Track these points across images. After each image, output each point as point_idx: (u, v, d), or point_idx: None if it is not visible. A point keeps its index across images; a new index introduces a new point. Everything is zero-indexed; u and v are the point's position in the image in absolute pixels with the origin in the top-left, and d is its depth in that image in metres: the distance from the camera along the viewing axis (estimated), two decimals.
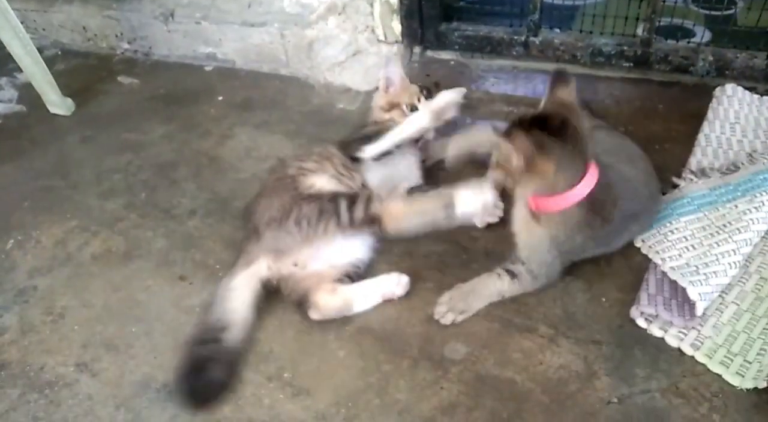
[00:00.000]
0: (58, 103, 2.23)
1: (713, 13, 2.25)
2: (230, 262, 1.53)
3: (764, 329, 1.27)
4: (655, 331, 1.29)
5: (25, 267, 1.62)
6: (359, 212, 1.41)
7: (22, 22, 2.13)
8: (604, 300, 1.38)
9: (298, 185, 1.49)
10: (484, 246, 1.53)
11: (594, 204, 1.28)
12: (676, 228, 1.45)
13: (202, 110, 2.19)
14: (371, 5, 2.08)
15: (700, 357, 1.23)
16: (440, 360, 1.29)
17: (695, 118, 1.79)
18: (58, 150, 2.08)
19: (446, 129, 1.73)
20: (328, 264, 1.43)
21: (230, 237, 1.62)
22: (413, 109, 1.69)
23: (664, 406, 1.17)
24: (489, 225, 1.55)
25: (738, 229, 1.39)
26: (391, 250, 1.53)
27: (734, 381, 1.19)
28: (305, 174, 1.52)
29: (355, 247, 1.47)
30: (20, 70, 2.25)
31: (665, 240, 1.43)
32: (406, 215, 1.42)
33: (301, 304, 1.39)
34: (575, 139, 1.23)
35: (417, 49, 2.24)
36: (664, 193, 1.56)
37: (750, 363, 1.21)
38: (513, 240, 1.40)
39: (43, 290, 1.55)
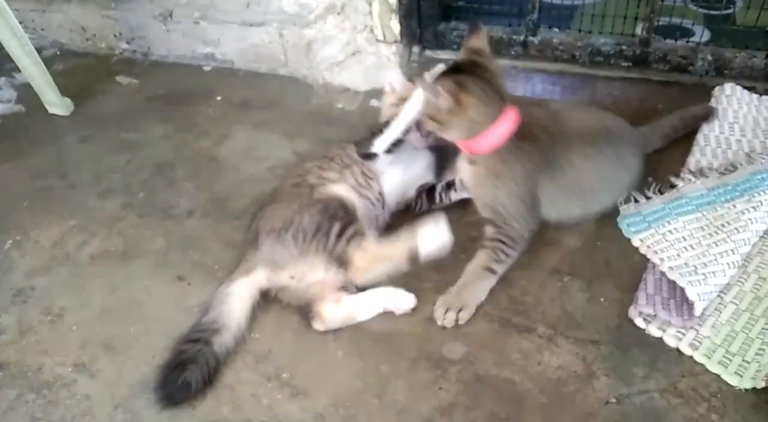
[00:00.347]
0: (56, 103, 2.22)
1: (712, 12, 2.25)
2: (229, 263, 1.53)
3: (763, 329, 1.27)
4: (654, 331, 1.29)
5: (23, 267, 1.62)
6: (341, 246, 1.39)
7: (20, 22, 2.12)
8: (602, 299, 1.38)
9: (314, 194, 1.47)
10: None
11: (521, 132, 1.39)
12: (675, 229, 1.44)
13: (201, 110, 2.19)
14: (370, 5, 2.07)
15: (698, 357, 1.23)
16: (439, 361, 1.29)
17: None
18: (57, 150, 2.07)
19: None
20: (324, 277, 1.42)
21: (229, 238, 1.62)
22: None
23: (663, 406, 1.17)
24: None
25: (736, 229, 1.39)
26: None
27: (733, 381, 1.19)
28: (325, 184, 1.51)
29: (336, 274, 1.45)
30: (19, 70, 2.24)
31: (664, 240, 1.43)
32: (372, 264, 1.40)
33: (304, 314, 1.39)
34: (487, 74, 1.38)
35: (416, 49, 2.24)
36: (661, 193, 1.56)
37: (748, 363, 1.21)
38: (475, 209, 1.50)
39: (41, 290, 1.55)
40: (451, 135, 1.43)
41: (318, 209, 1.43)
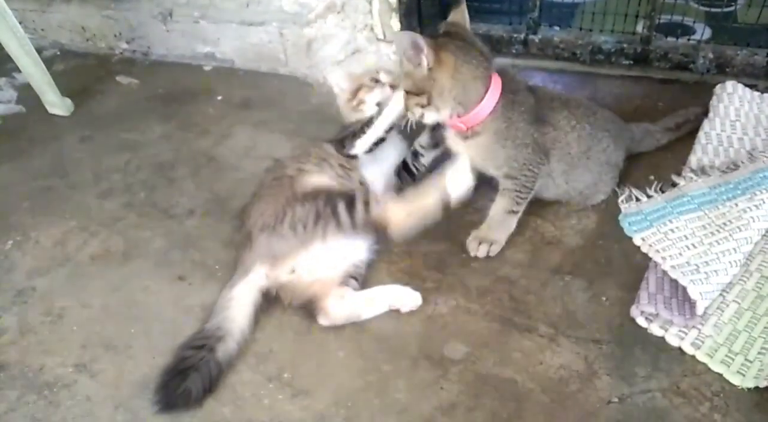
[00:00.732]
0: (56, 104, 2.22)
1: (713, 10, 2.24)
2: (229, 262, 1.53)
3: (765, 327, 1.26)
4: (656, 330, 1.28)
5: (24, 267, 1.62)
6: (360, 214, 1.40)
7: (20, 23, 2.12)
8: (604, 298, 1.37)
9: (295, 185, 1.47)
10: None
11: (508, 88, 1.42)
12: (677, 227, 1.44)
13: (201, 110, 2.19)
14: (370, 4, 2.07)
15: (700, 356, 1.23)
16: (440, 360, 1.28)
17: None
18: (57, 150, 2.07)
19: None
20: (327, 268, 1.41)
21: (229, 237, 1.62)
22: (376, 81, 1.65)
23: (665, 406, 1.16)
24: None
25: (738, 228, 1.38)
26: (391, 249, 1.53)
27: (735, 380, 1.18)
28: (304, 174, 1.51)
29: (354, 249, 1.46)
30: (19, 71, 2.24)
31: (665, 238, 1.42)
32: (408, 218, 1.41)
33: (308, 309, 1.38)
34: (468, 41, 1.41)
35: None
36: (663, 191, 1.55)
37: (751, 362, 1.20)
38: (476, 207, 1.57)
39: (42, 291, 1.55)
40: (442, 108, 1.41)
41: (309, 199, 1.42)
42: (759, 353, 1.22)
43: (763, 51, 1.89)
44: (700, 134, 1.73)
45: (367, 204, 1.41)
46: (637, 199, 1.54)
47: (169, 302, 1.48)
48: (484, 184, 1.59)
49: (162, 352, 1.35)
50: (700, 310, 1.26)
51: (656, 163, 1.67)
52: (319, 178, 1.50)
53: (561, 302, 1.37)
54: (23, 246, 1.68)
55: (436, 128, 1.60)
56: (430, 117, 1.44)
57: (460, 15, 1.45)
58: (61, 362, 1.37)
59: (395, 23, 2.09)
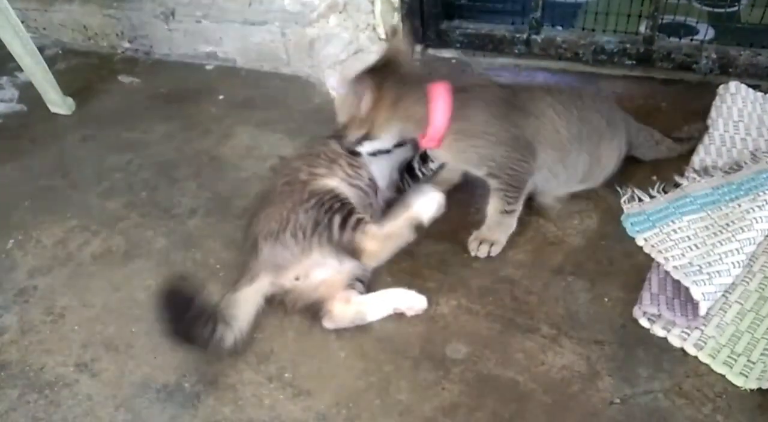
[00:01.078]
0: (58, 103, 2.22)
1: (716, 10, 2.23)
2: (231, 262, 1.54)
3: None
4: (658, 331, 1.28)
5: (25, 266, 1.62)
6: (347, 236, 1.38)
7: (22, 21, 2.12)
8: (606, 299, 1.37)
9: (306, 190, 1.45)
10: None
11: (461, 90, 1.43)
12: (679, 228, 1.43)
13: (203, 109, 2.19)
14: (372, 3, 2.07)
15: (703, 357, 1.22)
16: (442, 360, 1.28)
17: (698, 116, 1.78)
18: (59, 149, 2.07)
19: None
20: (331, 272, 1.41)
21: (231, 237, 1.62)
22: None
23: (668, 407, 1.16)
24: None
25: (741, 228, 1.38)
26: None
27: (738, 381, 1.18)
28: (316, 179, 1.49)
29: (345, 267, 1.44)
30: (21, 70, 2.24)
31: (668, 239, 1.41)
32: (382, 250, 1.40)
33: (313, 311, 1.38)
34: (398, 67, 1.43)
35: (418, 48, 2.23)
36: (665, 192, 1.55)
37: (754, 363, 1.20)
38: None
39: (43, 290, 1.55)
40: (385, 138, 1.45)
41: (312, 204, 1.41)
42: (762, 354, 1.21)
43: (766, 51, 1.88)
44: (704, 135, 1.72)
45: (358, 224, 1.39)
46: (640, 200, 1.54)
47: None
48: (485, 185, 1.58)
49: (163, 352, 1.36)
50: (702, 311, 1.25)
51: (659, 163, 1.66)
52: (330, 181, 1.49)
53: (563, 302, 1.37)
54: (24, 246, 1.68)
55: None
56: (370, 147, 1.46)
57: (399, 42, 1.53)
58: (62, 361, 1.37)
59: (397, 23, 2.09)
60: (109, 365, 1.35)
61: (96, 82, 2.41)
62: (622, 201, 1.54)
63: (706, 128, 1.73)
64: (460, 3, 2.21)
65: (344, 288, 1.39)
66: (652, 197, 1.54)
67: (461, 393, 1.22)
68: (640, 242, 1.44)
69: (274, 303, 1.41)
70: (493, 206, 1.49)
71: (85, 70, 2.51)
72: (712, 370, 1.20)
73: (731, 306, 1.31)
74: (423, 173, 1.66)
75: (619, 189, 1.57)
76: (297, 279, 1.40)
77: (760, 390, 1.16)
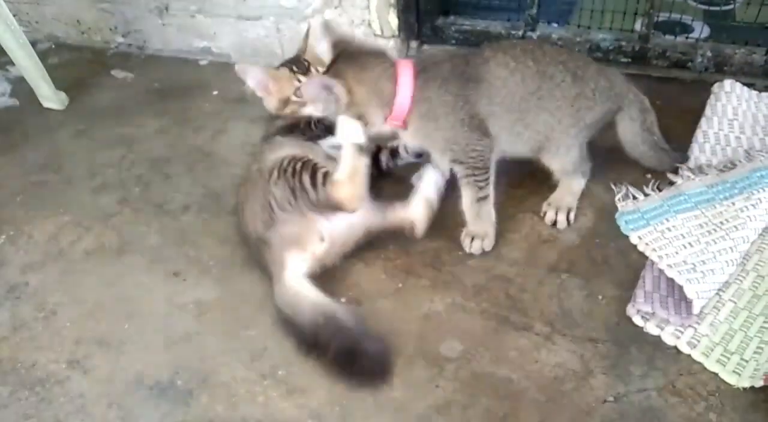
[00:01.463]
0: (51, 97, 2.20)
1: (712, 8, 2.24)
2: (224, 258, 1.53)
3: (761, 327, 1.26)
4: (652, 329, 1.28)
5: (17, 262, 1.61)
6: (321, 194, 1.39)
7: (14, 15, 2.10)
8: (600, 297, 1.37)
9: (263, 172, 1.45)
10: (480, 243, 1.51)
11: (423, 69, 1.42)
12: (674, 226, 1.43)
13: (197, 104, 2.17)
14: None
15: (696, 355, 1.22)
16: (436, 358, 1.28)
17: (693, 114, 1.78)
18: (51, 144, 2.06)
19: None
20: (348, 219, 1.43)
21: (224, 233, 1.61)
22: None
23: (661, 405, 1.16)
24: None
25: (735, 227, 1.38)
26: (387, 246, 1.52)
27: (731, 379, 1.18)
28: (265, 160, 1.49)
29: None
30: (13, 64, 2.21)
31: (662, 237, 1.41)
32: (355, 190, 1.40)
33: (394, 237, 1.48)
34: (355, 52, 1.44)
35: (414, 44, 2.22)
36: (660, 190, 1.55)
37: (747, 361, 1.20)
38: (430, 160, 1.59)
39: (35, 286, 1.54)
40: (375, 120, 1.43)
41: (277, 175, 1.41)
42: (755, 352, 1.21)
43: (761, 50, 1.88)
44: (698, 133, 1.73)
45: (325, 178, 1.39)
46: (634, 197, 1.53)
47: (164, 298, 1.47)
48: None
49: (155, 349, 1.35)
50: (696, 309, 1.25)
51: None
52: (281, 152, 1.48)
53: (557, 300, 1.37)
54: (16, 241, 1.67)
55: None
56: (374, 130, 1.45)
57: (339, 30, 1.52)
58: (54, 358, 1.36)
59: (393, 19, 2.08)
60: (102, 362, 1.34)
61: (89, 76, 2.39)
62: (616, 199, 1.53)
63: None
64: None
65: (377, 211, 1.47)
66: (646, 195, 1.54)
67: (455, 391, 1.22)
68: (634, 240, 1.44)
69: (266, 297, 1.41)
70: (467, 196, 1.48)
71: (78, 65, 2.49)
72: (705, 368, 1.21)
73: (724, 305, 1.31)
74: (389, 167, 1.69)
75: (613, 186, 1.57)
76: (322, 240, 1.41)
77: (752, 388, 1.16)
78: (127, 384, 1.29)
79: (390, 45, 2.13)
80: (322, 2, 2.11)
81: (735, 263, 1.34)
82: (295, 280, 1.36)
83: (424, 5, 2.11)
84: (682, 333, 1.26)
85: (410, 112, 1.42)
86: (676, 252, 1.36)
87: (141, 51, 2.52)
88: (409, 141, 1.54)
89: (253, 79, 1.60)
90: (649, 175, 1.60)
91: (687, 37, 2.01)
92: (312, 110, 1.55)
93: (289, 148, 1.49)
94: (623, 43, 1.98)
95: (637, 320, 1.30)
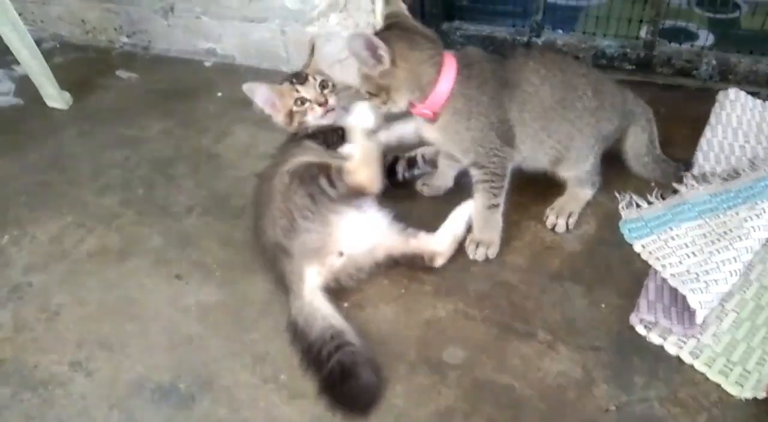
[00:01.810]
0: (55, 97, 2.21)
1: (717, 16, 2.23)
2: (227, 261, 1.53)
3: (764, 338, 1.26)
4: (655, 339, 1.28)
5: (20, 263, 1.61)
6: (341, 186, 1.40)
7: (20, 14, 2.11)
8: (603, 306, 1.37)
9: (284, 177, 1.44)
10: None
11: (464, 65, 1.41)
12: (677, 235, 1.44)
13: (201, 106, 2.18)
14: (373, 2, 2.06)
15: (699, 365, 1.22)
16: (438, 365, 1.28)
17: (698, 122, 1.78)
18: (55, 144, 2.06)
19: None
20: (368, 228, 1.44)
21: (227, 236, 1.61)
22: (303, 102, 1.61)
23: (663, 415, 1.16)
24: None
25: (739, 237, 1.38)
26: None
27: (733, 390, 1.18)
28: (287, 162, 1.48)
29: (373, 214, 1.48)
30: (18, 63, 2.23)
31: (666, 246, 1.42)
32: (370, 171, 1.43)
33: (417, 264, 1.46)
34: (411, 29, 1.42)
35: None
36: (664, 198, 1.55)
37: (749, 372, 1.20)
38: (448, 157, 1.59)
39: (37, 287, 1.54)
40: (399, 100, 1.42)
41: (296, 184, 1.41)
42: (757, 363, 1.21)
43: (766, 59, 1.88)
44: (702, 141, 1.72)
45: (339, 171, 1.41)
46: (638, 206, 1.54)
47: (166, 301, 1.47)
48: None
49: (158, 352, 1.35)
50: (699, 319, 1.25)
51: None
52: (305, 156, 1.48)
53: (560, 308, 1.37)
54: (20, 242, 1.67)
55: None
56: (391, 109, 1.45)
57: (397, 5, 1.46)
58: (57, 360, 1.36)
59: None
60: (104, 364, 1.35)
61: (93, 76, 2.40)
62: (620, 207, 1.54)
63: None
64: (461, 4, 2.20)
65: (400, 235, 1.46)
66: (650, 203, 1.54)
67: (457, 399, 1.22)
68: (637, 249, 1.44)
69: (271, 302, 1.41)
70: (479, 202, 1.49)
71: (82, 65, 2.50)
72: (707, 379, 1.20)
73: (727, 315, 1.31)
74: (405, 178, 1.68)
75: (617, 195, 1.57)
76: (341, 254, 1.41)
77: (755, 399, 1.16)
78: (129, 386, 1.30)
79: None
80: (327, 5, 2.11)
81: (738, 273, 1.33)
82: (312, 293, 1.37)
83: (429, 10, 2.11)
84: (684, 343, 1.26)
85: (445, 105, 1.41)
86: (680, 262, 1.36)
87: (146, 51, 2.53)
88: (431, 135, 1.49)
89: (261, 97, 1.61)
90: (653, 184, 1.60)
91: (692, 45, 2.00)
92: (312, 119, 1.59)
93: (311, 154, 1.49)
94: (628, 50, 1.98)
95: (640, 329, 1.30)
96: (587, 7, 2.29)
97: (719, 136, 1.74)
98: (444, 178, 1.67)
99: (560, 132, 1.48)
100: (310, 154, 1.49)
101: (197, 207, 1.74)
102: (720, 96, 1.85)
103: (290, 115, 1.61)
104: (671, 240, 1.43)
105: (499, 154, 1.44)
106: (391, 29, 1.42)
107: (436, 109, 1.42)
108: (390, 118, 1.60)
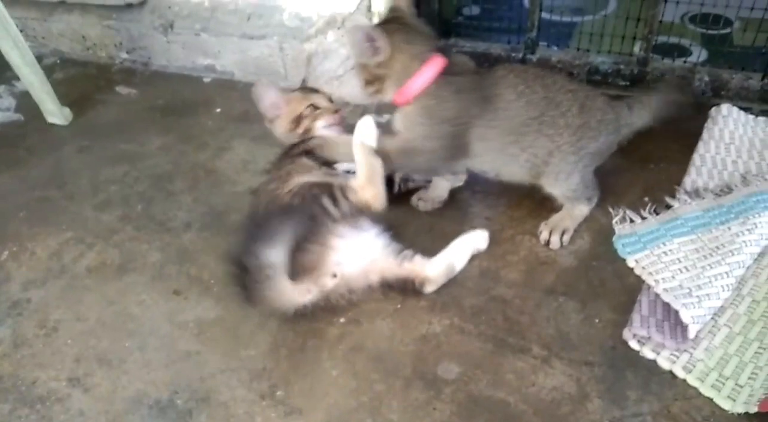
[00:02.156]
0: (55, 113, 2.23)
1: (710, 32, 2.26)
2: (225, 277, 1.53)
3: (756, 352, 1.27)
4: (648, 353, 1.29)
5: (19, 279, 1.62)
6: (345, 206, 1.41)
7: (21, 31, 2.13)
8: (597, 320, 1.38)
9: (286, 195, 1.46)
10: (479, 265, 1.53)
11: (450, 70, 1.48)
12: (670, 250, 1.45)
13: (200, 122, 2.20)
14: (370, 20, 2.09)
15: (692, 380, 1.23)
16: (433, 380, 1.29)
17: (690, 138, 1.80)
18: (55, 160, 2.08)
19: None
20: (367, 251, 1.44)
21: (225, 252, 1.62)
22: (316, 108, 1.66)
23: None
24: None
25: (731, 252, 1.39)
26: None
27: (726, 405, 1.19)
28: (289, 182, 1.49)
29: (370, 236, 1.48)
30: (18, 79, 2.25)
31: (659, 261, 1.43)
32: (376, 189, 1.45)
33: (407, 289, 1.45)
34: (410, 25, 1.50)
35: None
36: (657, 213, 1.56)
37: (741, 386, 1.21)
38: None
39: (36, 303, 1.55)
40: (388, 89, 1.50)
41: (297, 203, 1.42)
42: (749, 378, 1.22)
43: (757, 75, 1.91)
44: (695, 156, 1.74)
45: (344, 193, 1.43)
46: (632, 221, 1.55)
47: (164, 317, 1.48)
48: (477, 203, 1.65)
49: (156, 368, 1.36)
50: (691, 334, 1.26)
51: (651, 183, 1.68)
52: (302, 178, 1.49)
53: (554, 323, 1.38)
54: (19, 257, 1.69)
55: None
56: (383, 98, 1.53)
57: (402, 1, 1.54)
58: (55, 376, 1.37)
59: None
60: (102, 380, 1.36)
61: (94, 92, 2.42)
62: (614, 222, 1.55)
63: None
64: (457, 21, 2.24)
65: (395, 258, 1.46)
66: (643, 218, 1.55)
67: (452, 414, 1.22)
68: (631, 264, 1.45)
69: (268, 315, 1.42)
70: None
71: (83, 80, 2.52)
72: (700, 393, 1.21)
73: (720, 330, 1.32)
74: (401, 190, 1.71)
75: (611, 210, 1.58)
76: (335, 276, 1.41)
77: (747, 414, 1.17)
78: (127, 402, 1.30)
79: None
80: (325, 23, 2.14)
81: (731, 288, 1.35)
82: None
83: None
84: (677, 357, 1.27)
85: (416, 99, 1.47)
86: (673, 277, 1.37)
87: (146, 67, 2.55)
88: (397, 123, 1.54)
89: (268, 99, 1.65)
90: (646, 198, 1.62)
91: (685, 61, 2.03)
92: (321, 124, 1.63)
93: (310, 174, 1.50)
94: (622, 67, 2.01)
95: (633, 344, 1.31)
96: (581, 24, 2.31)
97: (712, 152, 1.76)
98: (439, 189, 1.70)
99: (536, 147, 1.49)
100: (309, 173, 1.51)
101: (195, 222, 1.75)
102: (713, 111, 1.88)
103: (297, 120, 1.63)
104: (664, 255, 1.44)
105: (429, 161, 1.52)
106: (390, 23, 1.50)
107: (407, 100, 1.48)
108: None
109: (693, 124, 1.84)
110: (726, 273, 1.35)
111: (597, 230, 1.59)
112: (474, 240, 1.53)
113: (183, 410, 1.28)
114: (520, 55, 2.09)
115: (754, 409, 1.16)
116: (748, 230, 1.44)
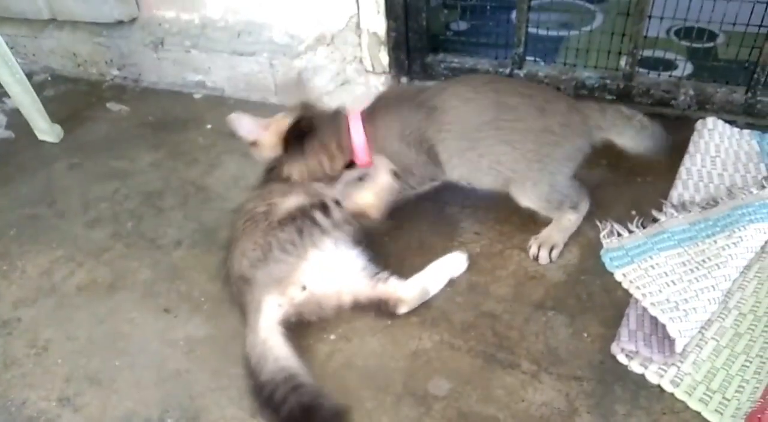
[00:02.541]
0: (46, 130, 2.23)
1: (695, 46, 2.29)
2: (215, 295, 1.54)
3: (743, 365, 1.28)
4: (636, 368, 1.30)
5: (9, 297, 1.62)
6: (337, 214, 1.43)
7: (12, 48, 2.14)
8: (585, 335, 1.39)
9: (270, 216, 1.45)
10: (468, 280, 1.54)
11: (372, 109, 1.59)
12: (657, 263, 1.46)
13: (191, 138, 2.21)
14: (359, 37, 2.11)
15: (680, 394, 1.24)
16: (424, 396, 1.29)
17: (677, 151, 1.82)
18: (46, 177, 2.08)
19: None
20: (341, 270, 1.45)
21: (216, 269, 1.62)
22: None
23: None
24: (471, 261, 1.57)
25: (717, 265, 1.41)
26: None
27: (713, 418, 1.19)
28: (277, 206, 1.49)
29: (349, 256, 1.48)
30: (8, 96, 2.25)
31: (646, 275, 1.44)
32: (377, 202, 1.48)
33: (381, 309, 1.45)
34: (312, 115, 1.62)
35: (404, 80, 2.26)
36: (644, 227, 1.58)
37: (728, 400, 1.22)
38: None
39: (26, 322, 1.55)
40: (338, 165, 1.61)
41: (287, 221, 1.42)
42: (736, 391, 1.23)
43: (741, 88, 1.93)
44: (681, 169, 1.76)
45: (337, 202, 1.45)
46: (619, 234, 1.56)
47: (155, 335, 1.48)
48: (466, 218, 1.66)
49: (146, 386, 1.36)
50: (679, 348, 1.27)
51: (638, 197, 1.70)
52: (292, 200, 1.49)
53: (543, 338, 1.39)
54: (9, 276, 1.68)
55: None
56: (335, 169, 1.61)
57: (300, 91, 1.73)
58: (45, 396, 1.36)
59: (384, 56, 2.13)
60: (92, 399, 1.35)
61: (84, 109, 2.43)
62: (601, 235, 1.56)
63: None
64: (445, 37, 2.26)
65: (370, 280, 1.46)
66: (630, 232, 1.57)
67: None
68: (618, 277, 1.46)
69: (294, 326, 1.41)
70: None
71: (73, 97, 2.53)
72: (688, 407, 1.22)
73: (707, 343, 1.33)
74: None
75: (598, 223, 1.60)
76: (304, 288, 1.41)
77: None
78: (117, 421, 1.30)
79: (381, 81, 2.17)
80: (315, 40, 2.16)
81: (717, 301, 1.36)
82: (268, 329, 1.35)
83: (414, 43, 2.15)
84: (665, 371, 1.28)
85: (370, 147, 1.56)
86: (660, 291, 1.38)
87: (136, 84, 2.56)
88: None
89: (244, 127, 1.67)
90: (633, 212, 1.63)
91: (670, 75, 2.06)
92: None
93: (302, 195, 1.50)
94: (608, 81, 2.03)
95: (622, 358, 1.32)
96: (567, 39, 2.34)
97: (698, 165, 1.78)
98: None
99: (496, 153, 1.50)
100: (299, 191, 1.51)
101: (186, 239, 1.76)
102: (698, 125, 1.90)
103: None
104: (651, 269, 1.45)
105: (419, 171, 1.57)
106: (302, 122, 1.60)
107: (368, 157, 1.57)
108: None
109: (679, 137, 1.86)
110: (712, 286, 1.37)
111: (585, 244, 1.60)
112: (451, 265, 1.54)
113: None
114: (508, 70, 2.11)
115: None
116: (734, 243, 1.45)
